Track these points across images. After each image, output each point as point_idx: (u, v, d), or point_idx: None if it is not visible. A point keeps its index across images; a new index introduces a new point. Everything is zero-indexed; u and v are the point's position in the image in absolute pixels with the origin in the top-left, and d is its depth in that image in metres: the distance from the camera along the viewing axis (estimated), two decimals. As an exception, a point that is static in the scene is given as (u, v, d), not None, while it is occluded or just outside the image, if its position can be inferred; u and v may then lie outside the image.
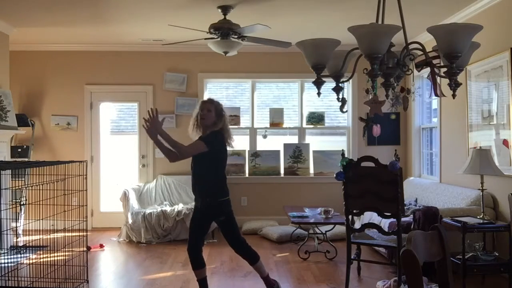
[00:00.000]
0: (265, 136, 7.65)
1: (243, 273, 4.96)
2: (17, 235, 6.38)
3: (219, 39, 5.25)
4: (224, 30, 5.17)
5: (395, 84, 2.44)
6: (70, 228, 4.05)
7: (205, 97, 7.48)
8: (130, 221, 6.43)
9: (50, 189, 3.96)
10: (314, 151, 7.60)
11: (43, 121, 7.43)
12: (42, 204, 3.87)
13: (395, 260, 4.53)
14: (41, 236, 4.39)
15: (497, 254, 4.38)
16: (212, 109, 3.95)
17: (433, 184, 6.23)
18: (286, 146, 7.61)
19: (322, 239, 5.91)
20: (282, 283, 4.75)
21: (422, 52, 2.40)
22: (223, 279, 4.31)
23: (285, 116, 7.67)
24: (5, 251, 5.38)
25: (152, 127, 3.65)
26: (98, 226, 7.35)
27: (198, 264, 3.96)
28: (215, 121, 3.94)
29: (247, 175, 7.50)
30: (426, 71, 2.59)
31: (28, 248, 5.52)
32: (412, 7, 5.17)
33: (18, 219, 6.61)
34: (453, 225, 4.33)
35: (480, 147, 5.01)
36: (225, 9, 5.17)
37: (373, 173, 4.12)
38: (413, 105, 7.15)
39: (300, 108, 7.71)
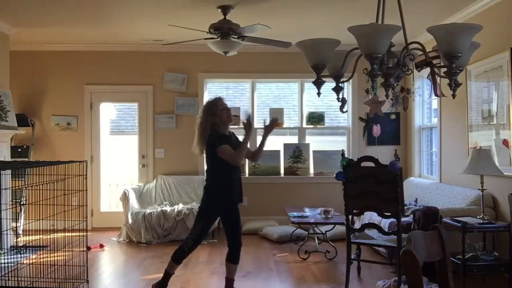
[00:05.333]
0: (265, 136, 7.63)
1: (243, 273, 4.96)
2: (17, 235, 6.38)
3: (219, 39, 5.25)
4: (224, 30, 5.16)
5: (395, 84, 2.44)
6: (70, 228, 4.05)
7: (205, 97, 7.49)
8: (130, 221, 6.43)
9: (50, 189, 3.95)
10: (314, 151, 7.60)
11: (43, 121, 7.43)
12: (42, 204, 3.87)
13: (395, 260, 4.53)
14: (41, 236, 4.38)
15: (497, 254, 4.38)
16: None
17: (433, 184, 6.22)
18: (286, 146, 7.60)
19: (322, 239, 5.91)
20: (282, 283, 4.76)
21: (422, 52, 2.40)
22: (223, 279, 4.31)
23: (285, 116, 7.67)
24: (5, 251, 5.37)
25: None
26: (98, 226, 7.34)
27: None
28: None
29: (247, 175, 7.49)
30: (426, 71, 2.59)
31: (28, 248, 5.51)
32: (412, 7, 5.16)
33: (18, 219, 6.60)
34: (453, 225, 4.33)
35: (480, 147, 5.01)
36: (225, 9, 5.17)
37: (373, 173, 4.11)
38: (413, 105, 7.15)
39: (300, 108, 7.71)
